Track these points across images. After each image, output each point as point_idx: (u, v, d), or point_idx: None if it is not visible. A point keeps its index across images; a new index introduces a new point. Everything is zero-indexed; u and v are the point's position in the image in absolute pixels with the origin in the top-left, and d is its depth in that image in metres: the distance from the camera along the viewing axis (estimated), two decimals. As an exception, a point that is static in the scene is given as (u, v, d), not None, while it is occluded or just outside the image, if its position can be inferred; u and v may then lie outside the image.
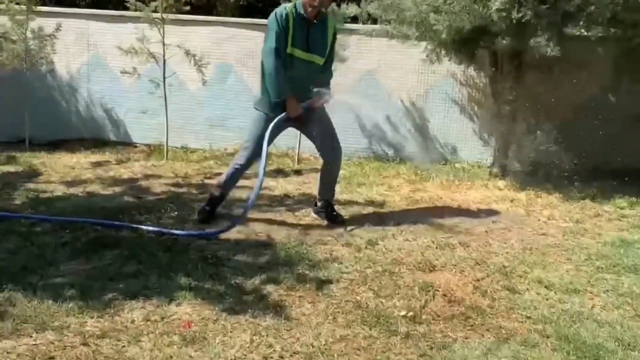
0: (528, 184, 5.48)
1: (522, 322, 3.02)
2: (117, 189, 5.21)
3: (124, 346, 2.67)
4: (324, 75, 4.25)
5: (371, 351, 2.72)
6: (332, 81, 4.35)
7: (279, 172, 6.00)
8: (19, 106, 6.81)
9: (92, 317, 2.89)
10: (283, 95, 4.08)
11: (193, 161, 6.46)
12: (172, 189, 5.29)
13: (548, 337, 2.88)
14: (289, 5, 4.13)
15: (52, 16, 7.04)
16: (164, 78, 6.40)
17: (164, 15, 6.26)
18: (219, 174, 5.24)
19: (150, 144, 7.06)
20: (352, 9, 6.11)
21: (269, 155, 4.65)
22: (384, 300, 3.19)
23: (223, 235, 4.02)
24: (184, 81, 6.94)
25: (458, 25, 5.00)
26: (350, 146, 6.40)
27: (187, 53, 6.36)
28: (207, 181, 5.55)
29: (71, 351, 2.62)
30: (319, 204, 4.51)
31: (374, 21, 6.15)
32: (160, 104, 6.57)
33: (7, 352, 2.58)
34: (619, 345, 2.82)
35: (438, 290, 3.32)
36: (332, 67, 4.38)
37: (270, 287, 3.29)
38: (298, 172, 6.06)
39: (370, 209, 4.79)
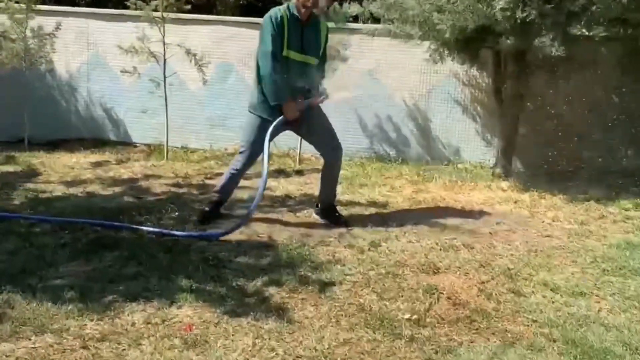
0: (532, 185, 5.44)
1: (528, 325, 2.98)
2: (117, 189, 5.17)
3: (124, 349, 2.64)
4: (318, 74, 4.21)
5: (375, 355, 2.68)
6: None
7: (281, 173, 5.96)
8: (18, 105, 6.77)
9: (91, 320, 2.85)
10: (281, 99, 4.04)
11: (193, 161, 6.43)
12: (173, 189, 5.25)
13: (555, 341, 2.84)
14: (282, 7, 4.08)
15: (51, 15, 7.01)
16: (164, 77, 6.38)
17: (165, 14, 6.22)
18: (220, 174, 5.22)
19: (151, 144, 7.03)
20: (354, 8, 6.06)
21: (270, 156, 4.61)
22: (387, 303, 3.15)
23: (224, 237, 3.98)
24: (185, 80, 6.90)
25: (462, 24, 4.97)
26: (351, 146, 6.37)
27: (188, 52, 6.32)
28: (207, 181, 5.51)
29: (70, 354, 2.59)
30: (320, 204, 4.47)
31: (376, 20, 6.11)
32: (160, 103, 6.54)
33: (6, 355, 2.55)
34: (626, 350, 2.78)
35: (442, 293, 3.27)
36: (326, 67, 4.35)
37: (272, 290, 3.25)
38: (299, 173, 6.02)
39: (372, 210, 4.75)
